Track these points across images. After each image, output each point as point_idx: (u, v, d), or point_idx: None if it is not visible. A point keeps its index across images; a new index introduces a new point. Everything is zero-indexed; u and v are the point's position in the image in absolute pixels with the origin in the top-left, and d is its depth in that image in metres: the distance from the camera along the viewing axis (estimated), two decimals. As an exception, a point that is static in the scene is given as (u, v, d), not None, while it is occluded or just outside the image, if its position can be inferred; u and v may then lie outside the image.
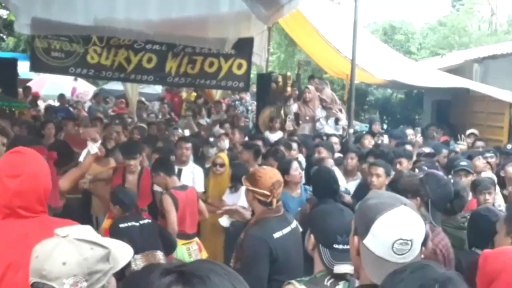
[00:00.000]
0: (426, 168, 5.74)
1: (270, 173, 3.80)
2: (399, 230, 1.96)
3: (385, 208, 2.01)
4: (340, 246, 2.61)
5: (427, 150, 8.37)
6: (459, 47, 20.47)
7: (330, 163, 6.64)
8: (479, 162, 6.89)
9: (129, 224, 4.89)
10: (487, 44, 18.95)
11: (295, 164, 5.90)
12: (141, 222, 4.98)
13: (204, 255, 5.78)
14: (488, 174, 6.08)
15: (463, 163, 6.14)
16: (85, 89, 21.12)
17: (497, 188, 5.80)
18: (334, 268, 2.58)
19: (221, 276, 1.38)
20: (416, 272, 1.62)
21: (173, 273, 1.37)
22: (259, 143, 8.06)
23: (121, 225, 4.87)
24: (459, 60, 15.55)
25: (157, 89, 18.69)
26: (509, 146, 9.40)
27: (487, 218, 3.88)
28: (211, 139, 8.84)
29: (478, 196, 5.41)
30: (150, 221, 5.16)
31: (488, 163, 7.18)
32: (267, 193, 3.67)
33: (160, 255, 4.81)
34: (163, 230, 5.21)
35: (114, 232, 4.70)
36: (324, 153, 7.03)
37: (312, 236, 2.72)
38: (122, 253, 2.16)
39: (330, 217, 2.74)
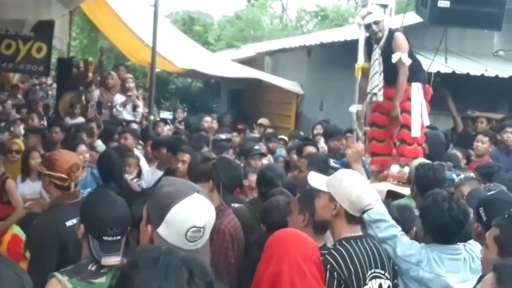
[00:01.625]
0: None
1: (67, 156, 3.66)
2: (192, 218, 2.02)
3: (180, 197, 2.05)
4: (110, 238, 2.57)
5: (223, 136, 9.06)
6: (253, 40, 21.24)
7: (134, 149, 6.88)
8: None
9: None
10: (278, 38, 19.93)
11: (81, 148, 5.89)
12: None
13: None
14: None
15: (256, 147, 6.91)
16: None
17: None
18: (101, 260, 2.54)
19: (6, 265, 1.34)
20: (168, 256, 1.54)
21: None
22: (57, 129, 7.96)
23: None
24: (253, 53, 16.33)
25: None
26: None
27: (277, 199, 3.95)
28: (1, 124, 8.50)
29: None
30: None
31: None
32: (65, 176, 3.49)
33: None
34: None
35: None
36: (130, 139, 7.02)
37: (82, 225, 2.66)
38: None
39: (101, 207, 2.66)
